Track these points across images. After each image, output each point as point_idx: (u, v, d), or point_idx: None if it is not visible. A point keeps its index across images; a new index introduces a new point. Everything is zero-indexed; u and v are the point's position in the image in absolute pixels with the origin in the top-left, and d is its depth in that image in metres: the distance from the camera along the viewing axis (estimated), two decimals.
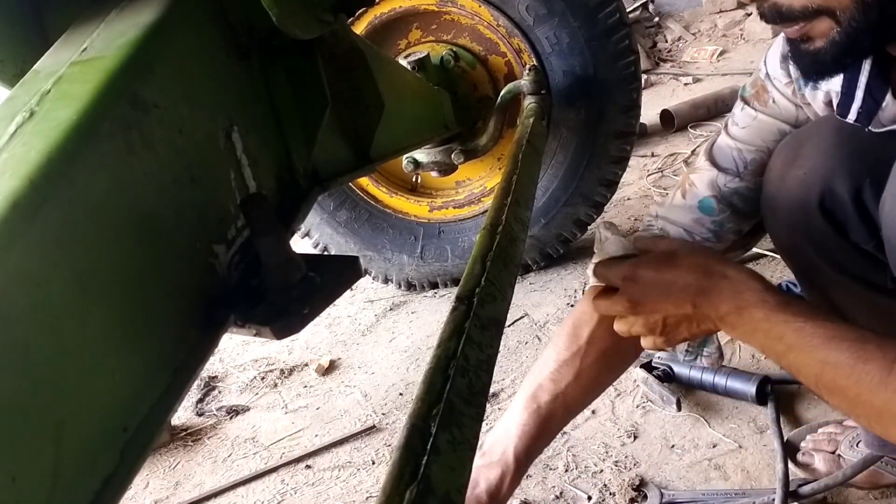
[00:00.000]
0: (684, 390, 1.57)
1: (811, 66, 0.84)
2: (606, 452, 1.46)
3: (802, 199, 0.98)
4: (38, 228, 0.56)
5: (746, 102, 1.10)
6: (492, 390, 1.70)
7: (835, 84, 0.95)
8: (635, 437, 1.49)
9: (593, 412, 1.58)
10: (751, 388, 1.46)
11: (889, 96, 0.89)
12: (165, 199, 0.73)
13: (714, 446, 1.42)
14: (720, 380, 1.50)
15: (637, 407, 1.56)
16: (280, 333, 0.77)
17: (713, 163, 1.11)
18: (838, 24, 0.77)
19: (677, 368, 1.57)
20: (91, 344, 0.60)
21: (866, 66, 0.90)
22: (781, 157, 1.04)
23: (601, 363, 1.11)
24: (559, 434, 1.52)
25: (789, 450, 1.36)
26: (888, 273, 0.95)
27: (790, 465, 1.32)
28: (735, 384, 1.49)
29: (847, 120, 0.93)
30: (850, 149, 0.95)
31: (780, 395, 1.48)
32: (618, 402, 1.59)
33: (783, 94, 1.05)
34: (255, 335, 0.79)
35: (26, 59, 0.91)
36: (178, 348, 0.72)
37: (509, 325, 1.99)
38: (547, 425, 1.09)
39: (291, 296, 0.80)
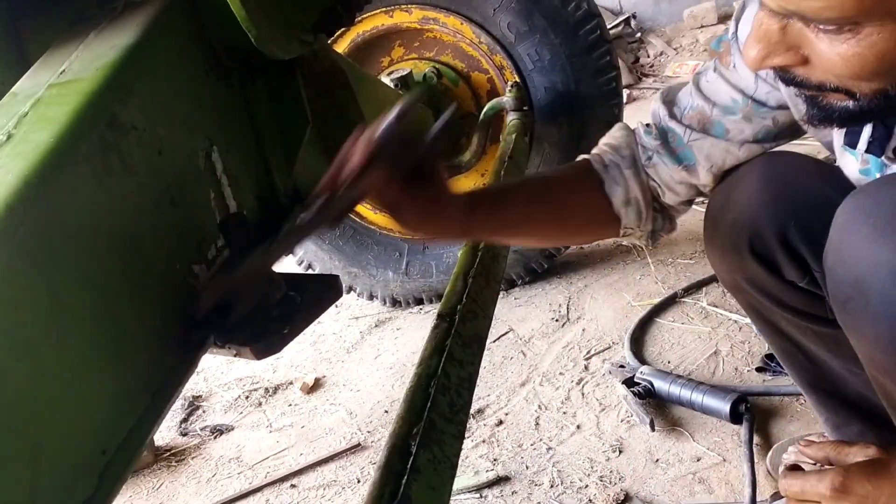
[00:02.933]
0: (667, 404, 1.58)
1: (817, 114, 0.78)
2: (591, 467, 1.46)
3: (734, 243, 1.01)
4: (14, 252, 0.56)
5: (716, 58, 1.06)
6: (477, 406, 1.70)
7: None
8: (620, 452, 1.49)
9: (578, 427, 1.58)
10: (725, 407, 1.46)
11: None
12: (145, 220, 0.73)
13: (698, 460, 1.42)
14: (697, 397, 1.51)
15: (622, 421, 1.57)
16: (260, 354, 0.77)
17: (664, 97, 1.11)
18: (855, 100, 0.73)
19: (657, 384, 1.57)
20: (68, 367, 0.59)
21: None
22: (714, 202, 1.06)
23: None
24: (545, 449, 1.52)
25: (773, 463, 1.36)
26: (826, 304, 0.97)
27: (776, 479, 1.33)
28: (710, 402, 1.49)
29: (857, 150, 0.89)
30: (773, 192, 0.96)
31: (756, 412, 1.49)
32: (602, 417, 1.60)
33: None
34: (235, 356, 0.79)
35: (4, 81, 0.91)
36: (157, 370, 0.71)
37: (494, 341, 1.99)
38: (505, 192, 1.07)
39: (271, 315, 0.80)
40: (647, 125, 1.10)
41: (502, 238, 1.12)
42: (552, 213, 1.09)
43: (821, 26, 0.67)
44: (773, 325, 1.09)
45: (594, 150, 1.13)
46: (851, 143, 0.89)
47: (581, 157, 1.13)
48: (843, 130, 0.91)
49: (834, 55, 0.68)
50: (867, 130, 0.86)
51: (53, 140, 0.64)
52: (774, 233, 0.96)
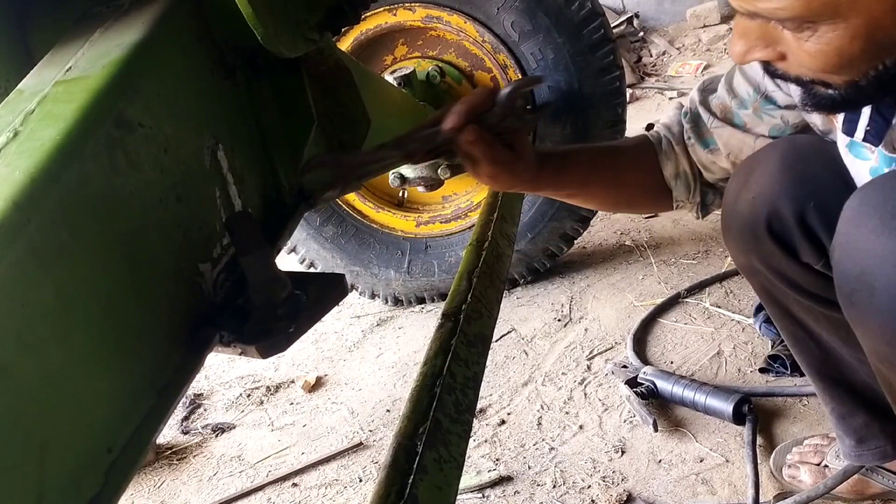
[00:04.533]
0: (670, 405, 1.57)
1: (808, 100, 0.83)
2: (594, 468, 1.46)
3: (752, 223, 1.01)
4: (21, 249, 0.56)
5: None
6: (479, 406, 1.70)
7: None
8: (623, 452, 1.49)
9: (581, 427, 1.58)
10: (728, 408, 1.46)
11: None
12: (150, 218, 0.73)
13: (701, 461, 1.42)
14: (700, 397, 1.51)
15: (624, 422, 1.56)
16: (266, 352, 0.77)
17: (704, 84, 1.15)
18: (834, 90, 0.78)
19: (660, 384, 1.57)
20: (75, 365, 0.59)
21: None
22: (735, 182, 1.06)
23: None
24: (548, 449, 1.52)
25: (776, 464, 1.36)
26: None
27: (779, 480, 1.33)
28: (713, 402, 1.49)
29: (854, 139, 0.91)
30: (793, 173, 0.97)
31: (760, 413, 1.49)
32: (605, 417, 1.59)
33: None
34: (240, 354, 0.79)
35: (10, 78, 0.91)
36: (163, 368, 0.71)
37: (496, 340, 1.99)
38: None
39: (277, 314, 0.79)
40: (685, 108, 1.17)
41: (564, 196, 1.22)
42: (610, 179, 1.19)
43: (790, 25, 0.73)
44: (785, 310, 1.09)
45: (654, 127, 1.21)
46: (849, 131, 0.91)
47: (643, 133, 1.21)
48: (843, 118, 0.92)
49: (801, 51, 0.74)
50: (864, 120, 0.88)
51: (60, 137, 0.64)
52: (793, 213, 0.96)
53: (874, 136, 0.88)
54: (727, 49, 4.62)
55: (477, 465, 1.54)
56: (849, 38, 0.70)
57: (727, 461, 1.40)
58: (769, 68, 0.82)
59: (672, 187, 1.16)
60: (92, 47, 0.79)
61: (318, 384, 2.03)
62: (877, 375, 0.89)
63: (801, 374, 1.48)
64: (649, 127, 3.24)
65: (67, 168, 0.63)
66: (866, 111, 0.88)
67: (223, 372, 2.19)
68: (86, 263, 0.62)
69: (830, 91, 0.78)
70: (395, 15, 2.03)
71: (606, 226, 2.54)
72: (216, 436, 1.89)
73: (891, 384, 0.88)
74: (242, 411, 1.98)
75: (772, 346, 1.65)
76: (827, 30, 0.70)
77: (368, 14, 2.03)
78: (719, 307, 1.87)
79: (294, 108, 1.01)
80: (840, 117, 0.94)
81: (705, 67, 4.42)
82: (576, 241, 2.19)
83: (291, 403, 1.97)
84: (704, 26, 4.87)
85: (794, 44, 0.75)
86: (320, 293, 0.85)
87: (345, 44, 2.09)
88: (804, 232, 0.97)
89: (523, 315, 2.10)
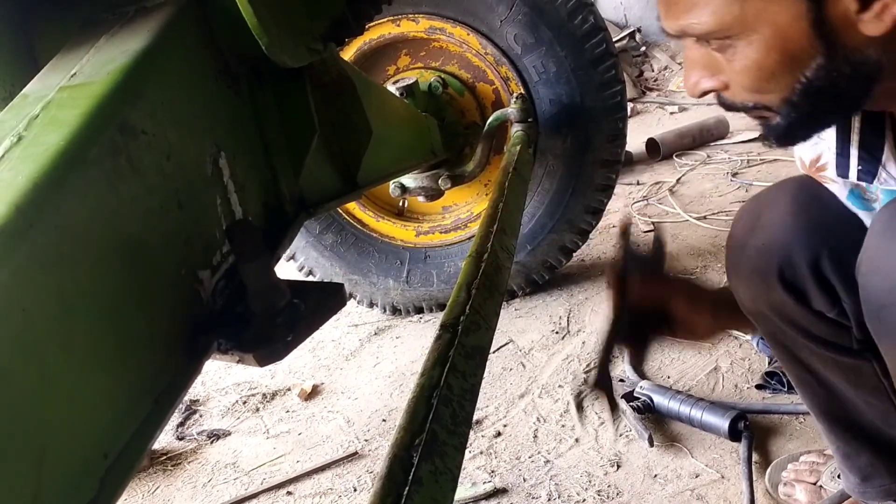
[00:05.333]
0: (666, 420, 1.57)
1: (774, 137, 0.84)
2: (589, 481, 1.46)
3: (763, 270, 0.99)
4: (23, 254, 0.56)
5: None
6: (475, 417, 1.70)
7: (828, 144, 0.94)
8: (618, 467, 1.48)
9: (577, 440, 1.58)
10: (724, 424, 1.46)
11: (887, 150, 0.87)
12: (152, 224, 0.73)
13: (696, 476, 1.42)
14: (696, 413, 1.50)
15: (620, 436, 1.56)
16: (263, 361, 0.77)
17: None
18: (777, 115, 0.80)
19: (657, 399, 1.57)
20: (74, 370, 0.59)
21: (856, 123, 0.88)
22: (741, 225, 1.05)
23: None
24: (543, 462, 1.52)
25: (771, 481, 1.36)
26: (852, 334, 0.97)
27: (774, 497, 1.33)
28: (710, 418, 1.49)
29: (849, 180, 0.92)
30: (806, 218, 0.96)
31: (756, 429, 1.49)
32: (601, 431, 1.59)
33: None
34: (238, 362, 0.79)
35: (15, 83, 0.92)
36: (161, 374, 0.71)
37: (494, 352, 1.99)
38: None
39: (276, 322, 0.80)
40: None
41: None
42: None
43: (715, 45, 0.76)
44: (792, 354, 1.08)
45: None
46: (843, 173, 0.91)
47: None
48: (836, 162, 0.93)
49: (733, 74, 0.78)
50: (854, 160, 0.89)
51: (64, 143, 0.64)
52: (807, 261, 0.95)
53: (867, 174, 0.89)
54: None
55: (472, 477, 1.54)
56: (764, 50, 0.73)
57: (723, 477, 1.40)
58: (721, 100, 0.83)
59: None
60: (97, 54, 0.80)
61: (314, 392, 2.03)
62: None
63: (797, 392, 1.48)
64: (650, 142, 3.25)
65: (71, 174, 0.63)
66: (854, 152, 0.89)
67: (220, 378, 2.19)
68: (87, 269, 0.62)
69: (777, 119, 0.80)
70: (398, 26, 2.04)
71: (605, 239, 2.55)
72: (211, 442, 1.89)
73: None
74: (238, 418, 1.98)
75: (769, 363, 1.65)
76: (743, 45, 0.74)
77: (372, 24, 2.04)
78: None
79: (296, 117, 1.01)
80: (832, 164, 0.93)
81: None
82: (575, 254, 2.19)
83: (287, 411, 1.97)
84: None
85: (727, 68, 0.78)
86: (319, 302, 0.85)
87: (348, 53, 2.10)
88: (818, 280, 0.95)
89: (521, 327, 2.10)
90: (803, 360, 1.07)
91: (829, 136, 0.93)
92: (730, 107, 0.83)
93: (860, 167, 0.89)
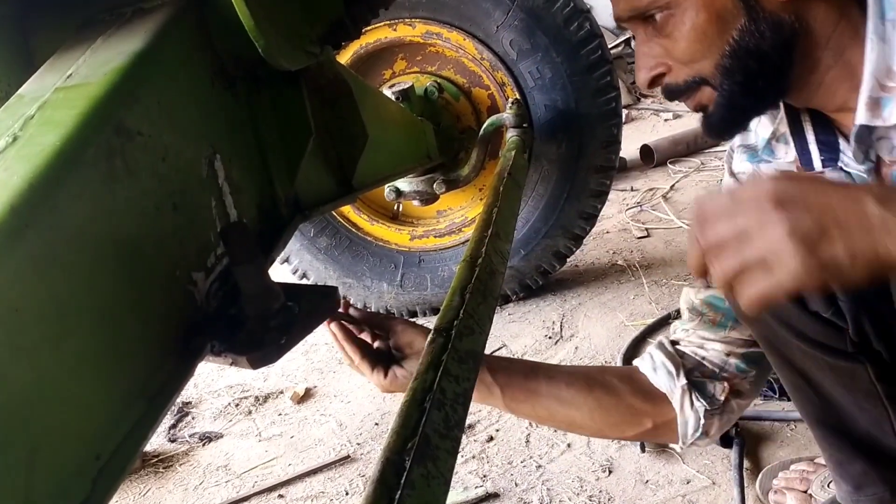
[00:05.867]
0: None
1: (710, 129, 0.94)
2: (581, 487, 1.46)
3: None
4: (18, 255, 0.56)
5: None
6: (468, 422, 1.70)
7: (789, 156, 1.01)
8: (610, 472, 1.49)
9: (569, 445, 1.58)
10: None
11: (842, 141, 0.93)
12: (147, 226, 0.73)
13: (688, 482, 1.42)
14: None
15: (612, 441, 1.57)
16: (256, 363, 0.77)
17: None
18: (715, 89, 0.89)
19: None
20: (67, 371, 0.59)
21: (808, 127, 0.97)
22: None
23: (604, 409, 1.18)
24: (535, 467, 1.52)
25: (762, 487, 1.37)
26: (847, 337, 0.98)
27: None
28: None
29: (816, 170, 0.97)
30: None
31: (747, 436, 1.49)
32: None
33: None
34: (231, 364, 0.79)
35: (11, 83, 0.91)
36: (154, 376, 0.71)
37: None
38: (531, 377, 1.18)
39: (269, 325, 0.80)
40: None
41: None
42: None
43: (658, 27, 0.87)
44: (785, 358, 1.08)
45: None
46: (807, 163, 0.98)
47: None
48: (800, 163, 0.99)
49: (673, 47, 0.88)
50: (815, 151, 0.96)
51: (59, 143, 0.64)
52: None
53: (831, 161, 0.95)
54: None
55: (464, 481, 1.54)
56: (695, 11, 0.84)
57: (714, 483, 1.40)
58: (666, 89, 0.93)
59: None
60: (94, 54, 0.80)
61: (307, 395, 2.02)
62: None
63: (789, 399, 1.49)
64: (644, 148, 3.26)
65: (66, 174, 0.63)
66: (814, 149, 0.96)
67: (212, 380, 2.18)
68: (81, 270, 0.62)
69: (717, 97, 0.89)
70: (395, 30, 2.05)
71: (599, 245, 2.55)
72: (203, 445, 1.88)
73: None
74: (230, 421, 1.97)
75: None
76: (681, 11, 0.85)
77: (369, 28, 2.05)
78: None
79: (292, 120, 1.01)
80: (793, 156, 1.00)
81: None
82: (569, 260, 2.20)
83: (280, 414, 1.96)
84: None
85: (667, 42, 0.88)
86: (313, 306, 0.85)
87: (344, 57, 2.10)
88: None
89: (515, 331, 2.11)
90: (797, 365, 1.07)
91: (790, 153, 1.00)
92: (673, 92, 0.92)
93: (822, 157, 0.96)
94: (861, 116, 0.85)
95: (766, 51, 0.85)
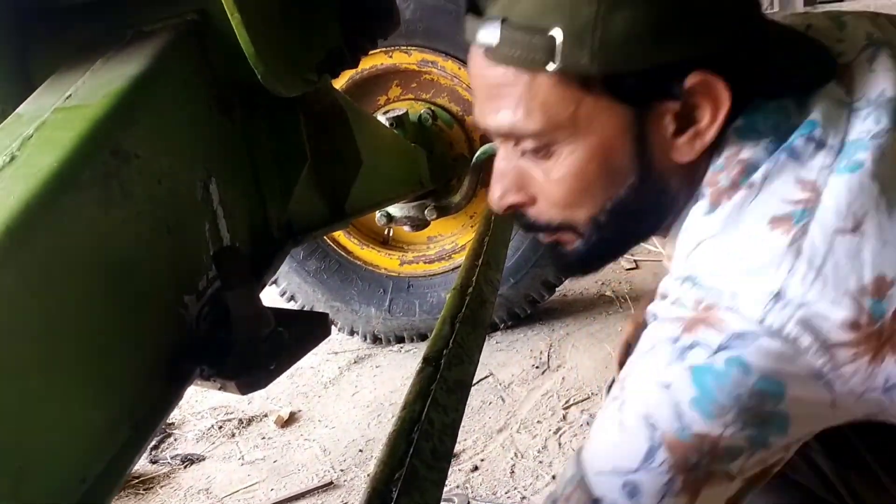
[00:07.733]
0: None
1: (562, 267, 0.84)
2: None
3: None
4: (12, 276, 0.56)
5: None
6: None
7: None
8: None
9: (553, 477, 1.57)
10: None
11: None
12: (141, 248, 0.73)
13: None
14: None
15: None
16: (245, 389, 0.77)
17: None
18: (580, 237, 0.78)
19: None
20: (56, 394, 0.59)
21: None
22: None
23: None
24: (519, 498, 1.51)
25: None
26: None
27: None
28: None
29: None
30: None
31: None
32: None
33: None
34: (219, 389, 0.79)
35: (9, 102, 0.92)
36: (142, 400, 0.71)
37: (474, 385, 1.97)
38: None
39: (259, 350, 0.79)
40: None
41: None
42: None
43: (532, 152, 0.73)
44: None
45: None
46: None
47: None
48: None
49: (547, 183, 0.74)
50: None
51: (56, 164, 0.64)
52: None
53: None
54: None
55: None
56: (586, 157, 0.71)
57: None
58: (524, 222, 0.81)
59: None
60: (93, 77, 0.80)
61: (291, 419, 2.01)
62: None
63: None
64: None
65: (62, 196, 0.63)
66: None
67: (196, 402, 2.16)
68: (73, 292, 0.62)
69: (578, 243, 0.79)
70: (391, 57, 2.07)
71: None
72: (185, 467, 1.86)
73: None
74: (213, 443, 1.96)
75: None
76: (567, 151, 0.71)
77: None
78: None
79: (288, 146, 1.02)
80: None
81: None
82: (557, 289, 2.20)
83: (263, 438, 1.95)
84: None
85: (540, 176, 0.75)
86: (303, 332, 0.85)
87: (340, 82, 2.11)
88: None
89: (502, 360, 2.10)
90: None
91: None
92: (530, 226, 0.80)
93: None
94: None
95: (644, 215, 0.76)
